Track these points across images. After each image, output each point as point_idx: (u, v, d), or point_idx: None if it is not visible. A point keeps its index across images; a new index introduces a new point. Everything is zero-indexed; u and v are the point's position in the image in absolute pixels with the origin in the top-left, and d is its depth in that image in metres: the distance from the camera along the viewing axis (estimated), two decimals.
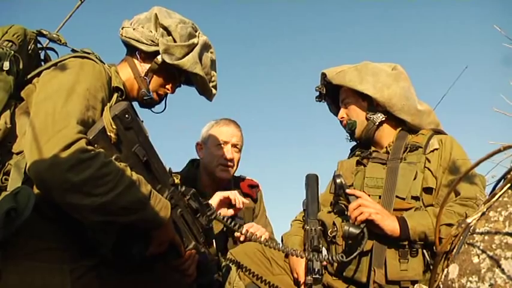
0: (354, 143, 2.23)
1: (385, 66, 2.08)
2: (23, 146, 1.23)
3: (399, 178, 1.85)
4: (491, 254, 0.92)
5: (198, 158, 2.58)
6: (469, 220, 1.01)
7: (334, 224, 1.86)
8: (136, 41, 1.62)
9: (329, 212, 1.95)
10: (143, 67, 1.65)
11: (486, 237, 0.97)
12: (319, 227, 1.89)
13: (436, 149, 1.90)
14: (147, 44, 1.62)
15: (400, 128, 2.06)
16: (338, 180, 1.86)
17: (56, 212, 1.23)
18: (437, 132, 2.01)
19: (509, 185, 1.00)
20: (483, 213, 1.01)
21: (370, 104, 2.04)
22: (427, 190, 1.84)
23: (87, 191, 1.16)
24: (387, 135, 2.06)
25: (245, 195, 2.48)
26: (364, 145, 2.14)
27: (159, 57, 1.62)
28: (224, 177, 2.42)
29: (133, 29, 1.62)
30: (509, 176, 1.02)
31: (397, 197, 1.82)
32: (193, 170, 2.52)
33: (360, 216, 1.70)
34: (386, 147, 2.03)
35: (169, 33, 1.63)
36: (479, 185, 1.80)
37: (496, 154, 0.99)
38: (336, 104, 2.23)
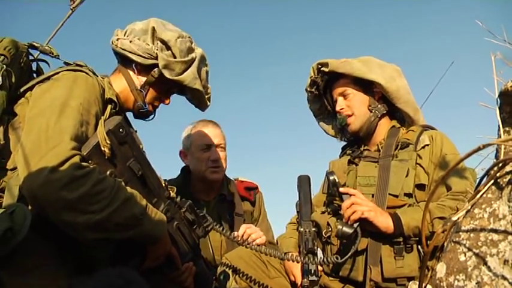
0: (344, 143, 2.24)
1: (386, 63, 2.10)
2: (17, 162, 1.22)
3: (391, 176, 1.86)
4: (477, 251, 0.94)
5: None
6: (454, 218, 1.02)
7: (328, 224, 1.87)
8: (133, 53, 1.60)
9: (323, 213, 1.96)
10: (139, 79, 1.65)
11: (472, 235, 0.98)
12: (313, 229, 1.89)
13: (427, 145, 1.91)
14: (144, 57, 1.61)
15: (391, 126, 2.07)
16: (331, 178, 1.86)
17: (51, 229, 1.22)
18: (427, 128, 2.03)
19: (492, 181, 1.02)
20: (468, 211, 1.02)
21: (372, 96, 2.04)
22: (420, 187, 1.84)
23: (82, 208, 1.15)
24: (381, 131, 2.06)
25: (242, 198, 2.48)
26: (355, 143, 2.14)
27: (155, 70, 1.62)
28: (216, 179, 2.42)
29: (130, 42, 1.60)
30: (492, 172, 1.03)
31: (390, 194, 1.83)
32: (187, 177, 2.51)
33: (353, 216, 1.71)
34: (377, 145, 2.04)
35: (168, 48, 1.62)
36: (470, 179, 1.81)
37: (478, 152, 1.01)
38: (320, 98, 2.21)
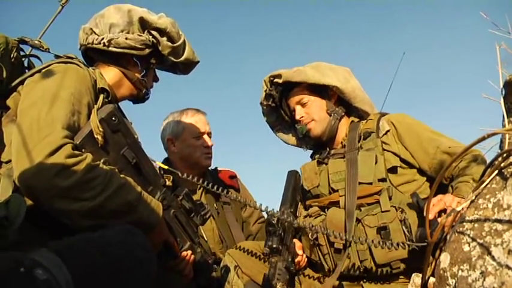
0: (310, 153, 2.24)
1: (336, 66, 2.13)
2: (11, 154, 1.22)
3: (361, 166, 1.87)
4: (481, 241, 0.93)
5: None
6: (458, 208, 1.01)
7: (312, 226, 1.82)
8: (131, 49, 1.60)
9: (305, 217, 1.98)
10: (137, 70, 1.66)
11: (476, 225, 0.97)
12: (289, 218, 1.76)
13: (388, 131, 1.94)
14: (141, 49, 1.61)
15: (351, 120, 2.11)
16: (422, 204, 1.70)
17: (47, 220, 1.22)
18: (383, 114, 2.06)
19: (497, 171, 1.01)
20: (472, 201, 1.01)
21: (329, 100, 2.08)
22: (392, 170, 1.87)
23: (75, 195, 1.16)
24: (343, 130, 2.10)
25: (229, 186, 2.49)
26: (320, 148, 2.15)
27: (154, 58, 1.66)
28: (209, 165, 2.47)
29: (126, 38, 1.58)
30: (496, 162, 1.02)
31: (362, 183, 1.84)
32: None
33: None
34: (341, 142, 2.07)
35: (163, 35, 1.64)
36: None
37: (483, 141, 1.00)
38: (276, 110, 2.22)
